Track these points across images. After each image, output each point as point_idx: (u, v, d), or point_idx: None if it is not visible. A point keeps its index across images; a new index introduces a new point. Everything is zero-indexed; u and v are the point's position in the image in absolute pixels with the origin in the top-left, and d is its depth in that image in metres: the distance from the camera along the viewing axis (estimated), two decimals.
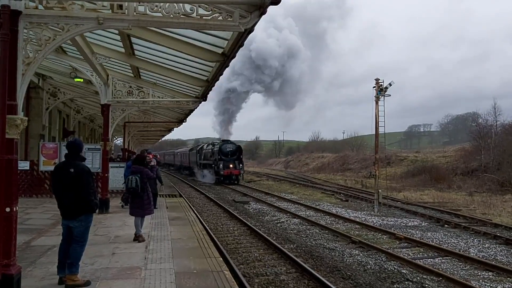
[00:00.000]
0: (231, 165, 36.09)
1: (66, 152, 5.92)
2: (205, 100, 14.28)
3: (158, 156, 33.12)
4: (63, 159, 16.22)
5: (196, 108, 16.29)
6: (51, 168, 15.58)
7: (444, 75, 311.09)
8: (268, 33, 48.47)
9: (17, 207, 5.15)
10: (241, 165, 37.40)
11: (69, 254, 5.74)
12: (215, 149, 38.12)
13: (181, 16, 5.95)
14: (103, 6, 6.00)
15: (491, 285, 9.29)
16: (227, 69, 10.17)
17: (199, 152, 43.90)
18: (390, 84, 21.34)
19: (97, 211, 6.26)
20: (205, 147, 43.61)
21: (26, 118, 5.37)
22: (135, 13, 5.92)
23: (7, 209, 4.98)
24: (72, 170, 5.66)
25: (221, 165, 35.84)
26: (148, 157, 12.48)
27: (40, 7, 5.67)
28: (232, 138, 43.95)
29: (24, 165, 15.26)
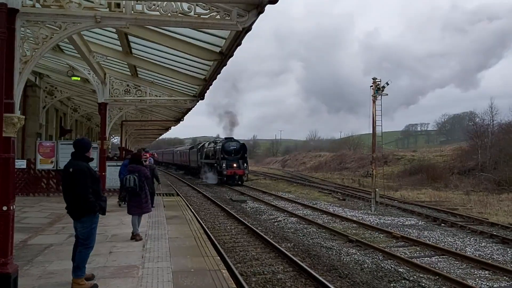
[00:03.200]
0: (234, 165, 33.62)
1: (73, 151, 5.80)
2: (202, 99, 14.31)
3: (156, 155, 32.89)
4: (60, 158, 16.31)
5: (194, 107, 16.33)
6: (48, 166, 15.67)
7: (445, 75, 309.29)
8: None
9: (14, 206, 5.14)
10: (245, 165, 34.54)
11: (76, 257, 5.64)
12: (217, 147, 35.81)
13: (179, 14, 5.96)
14: (100, 4, 6.00)
15: (488, 283, 9.32)
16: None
17: (200, 151, 41.83)
18: (387, 83, 21.37)
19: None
20: (206, 145, 41.54)
21: (23, 117, 5.36)
22: (132, 12, 5.92)
23: (4, 208, 4.98)
24: (71, 169, 5.58)
25: (224, 165, 33.35)
26: (145, 155, 12.48)
27: (37, 5, 5.66)
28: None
29: (21, 163, 15.24)
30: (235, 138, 37.44)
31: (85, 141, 5.96)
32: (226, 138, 37.61)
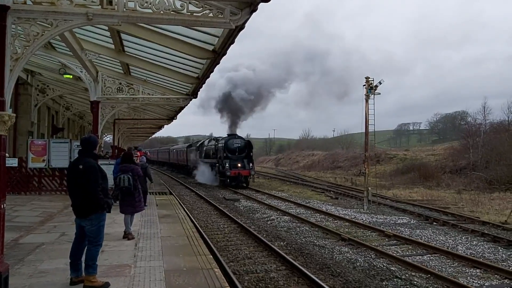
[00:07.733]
0: (239, 164, 30.18)
1: (80, 148, 5.80)
2: (195, 97, 14.29)
3: (148, 153, 32.32)
4: (52, 156, 16.16)
5: (187, 105, 16.31)
6: (40, 165, 15.55)
7: (445, 75, 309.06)
8: None
9: (5, 204, 5.11)
10: (251, 165, 31.00)
11: (85, 255, 5.60)
12: (219, 145, 32.35)
13: (172, 12, 5.94)
14: (92, 1, 5.94)
15: (479, 282, 9.39)
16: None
17: (199, 149, 38.35)
18: (380, 83, 21.40)
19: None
20: (206, 143, 37.99)
21: (14, 115, 5.32)
22: (125, 9, 5.89)
23: None
24: (81, 166, 5.52)
25: (227, 165, 29.90)
26: (136, 154, 12.42)
27: (28, 2, 5.61)
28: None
29: (12, 162, 15.09)
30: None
31: (93, 138, 5.96)
32: (229, 135, 33.83)
